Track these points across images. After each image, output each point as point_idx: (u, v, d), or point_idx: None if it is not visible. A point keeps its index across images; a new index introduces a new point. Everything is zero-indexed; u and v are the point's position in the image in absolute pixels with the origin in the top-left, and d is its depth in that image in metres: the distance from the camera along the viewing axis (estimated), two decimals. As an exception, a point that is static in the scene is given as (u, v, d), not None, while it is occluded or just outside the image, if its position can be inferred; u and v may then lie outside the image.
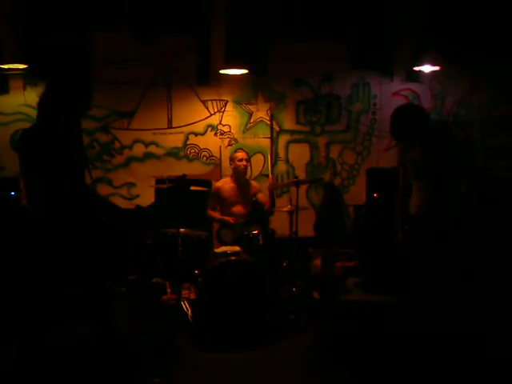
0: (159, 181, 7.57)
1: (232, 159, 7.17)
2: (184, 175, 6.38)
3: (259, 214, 6.74)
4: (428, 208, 4.92)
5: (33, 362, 4.29)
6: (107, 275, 4.12)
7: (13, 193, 6.85)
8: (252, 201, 7.14)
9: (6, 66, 7.14)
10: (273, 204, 7.62)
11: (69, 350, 4.48)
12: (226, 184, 7.18)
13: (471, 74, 8.36)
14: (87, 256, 3.96)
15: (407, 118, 5.05)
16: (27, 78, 7.57)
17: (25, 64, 7.14)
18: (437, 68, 7.78)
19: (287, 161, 8.32)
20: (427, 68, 7.81)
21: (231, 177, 7.20)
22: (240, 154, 7.15)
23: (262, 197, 7.29)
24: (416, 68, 7.90)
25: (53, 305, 4.10)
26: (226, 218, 6.95)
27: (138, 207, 5.20)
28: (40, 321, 4.43)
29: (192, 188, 6.46)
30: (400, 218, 5.19)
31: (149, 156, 7.99)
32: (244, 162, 7.04)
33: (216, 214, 7.08)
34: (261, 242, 6.35)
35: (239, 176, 7.11)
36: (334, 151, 8.39)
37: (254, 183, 7.39)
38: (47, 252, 3.94)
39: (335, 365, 4.92)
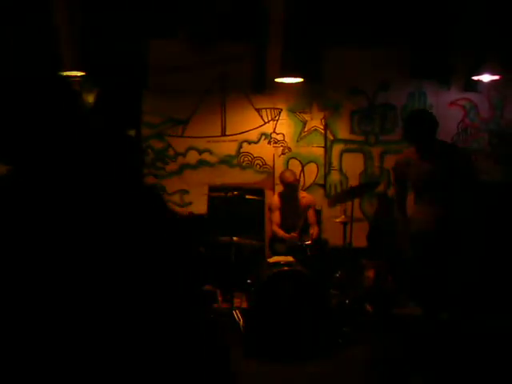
0: (212, 188, 7.62)
1: (281, 180, 7.21)
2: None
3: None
4: (445, 224, 4.83)
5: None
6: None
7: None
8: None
9: (64, 74, 7.25)
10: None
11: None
12: (278, 197, 7.24)
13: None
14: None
15: (422, 121, 5.08)
16: (84, 84, 7.67)
17: (82, 71, 7.25)
18: (496, 77, 7.63)
19: (340, 170, 8.24)
20: (486, 77, 7.67)
21: (282, 192, 7.27)
22: (288, 176, 7.14)
23: (313, 215, 7.27)
24: (475, 77, 7.76)
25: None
26: (289, 235, 6.92)
27: (191, 214, 5.22)
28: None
29: (246, 196, 6.45)
30: (405, 233, 5.11)
31: (202, 163, 8.02)
32: (295, 183, 7.13)
33: (281, 232, 7.05)
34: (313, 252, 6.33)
35: (291, 192, 7.17)
36: (389, 161, 8.26)
37: (306, 195, 7.39)
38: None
39: (390, 379, 4.84)
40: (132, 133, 4.12)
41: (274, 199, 7.32)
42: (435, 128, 5.07)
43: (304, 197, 7.29)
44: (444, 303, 4.90)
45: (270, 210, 7.25)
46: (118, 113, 3.98)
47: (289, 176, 7.16)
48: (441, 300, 4.88)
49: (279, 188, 7.49)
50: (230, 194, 6.28)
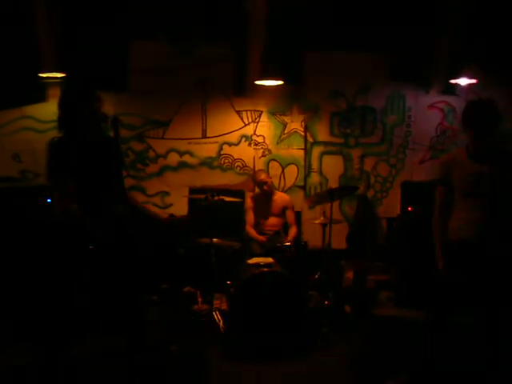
0: (193, 190, 7.64)
1: (254, 181, 7.37)
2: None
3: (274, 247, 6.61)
4: (487, 232, 4.37)
5: (57, 376, 4.29)
6: (139, 285, 4.13)
7: (49, 200, 6.91)
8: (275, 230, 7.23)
9: (44, 75, 7.24)
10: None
11: (94, 362, 4.49)
12: (255, 198, 7.35)
13: (508, 87, 8.26)
14: (117, 265, 3.97)
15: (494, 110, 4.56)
16: (65, 86, 7.65)
17: (63, 73, 7.23)
18: (473, 81, 7.70)
19: (320, 172, 8.29)
20: (464, 81, 7.74)
21: (257, 193, 7.38)
22: (262, 177, 7.25)
23: (291, 215, 7.32)
24: (452, 81, 7.84)
25: (79, 315, 4.10)
26: (259, 238, 7.05)
27: (171, 216, 5.22)
28: (65, 332, 4.44)
29: (225, 199, 6.46)
30: (440, 242, 4.57)
31: (183, 165, 8.03)
32: (268, 184, 7.20)
33: (252, 232, 7.17)
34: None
35: (265, 193, 7.26)
36: (368, 163, 8.34)
37: (285, 197, 7.44)
38: (76, 258, 3.96)
39: (368, 379, 4.87)
40: (111, 133, 4.10)
41: (248, 200, 7.42)
42: (498, 123, 4.58)
43: (280, 197, 7.35)
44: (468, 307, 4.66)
45: (245, 210, 7.35)
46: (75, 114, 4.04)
47: (260, 174, 7.33)
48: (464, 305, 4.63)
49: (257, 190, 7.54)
50: (209, 196, 6.28)
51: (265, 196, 7.25)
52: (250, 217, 7.27)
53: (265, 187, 7.16)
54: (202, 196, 6.42)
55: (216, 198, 6.34)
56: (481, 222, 4.37)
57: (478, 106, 4.54)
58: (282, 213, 7.28)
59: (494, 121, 4.50)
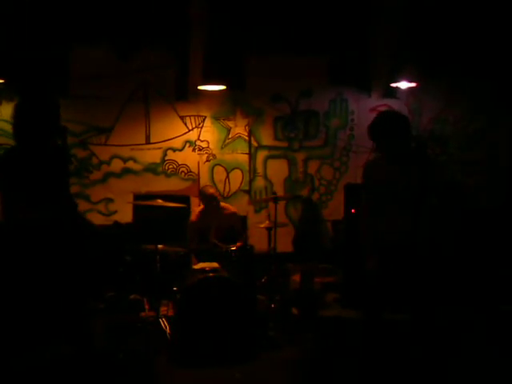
0: (137, 197, 7.58)
1: (203, 196, 7.12)
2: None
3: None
4: (410, 236, 4.41)
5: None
6: (84, 292, 4.08)
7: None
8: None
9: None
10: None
11: (41, 371, 4.41)
12: (199, 215, 7.13)
13: (447, 90, 8.47)
14: (63, 272, 3.91)
15: (396, 121, 4.57)
16: (3, 93, 7.52)
17: (2, 79, 7.10)
18: (413, 84, 7.85)
19: (265, 176, 8.32)
20: (404, 84, 7.88)
21: (203, 209, 7.16)
22: (209, 191, 7.06)
23: (238, 225, 7.28)
24: (393, 84, 7.97)
25: (25, 323, 4.02)
26: (204, 246, 6.84)
27: (116, 223, 5.16)
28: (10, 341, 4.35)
29: (169, 205, 6.40)
30: (367, 243, 4.64)
31: (127, 172, 7.96)
32: (216, 200, 7.04)
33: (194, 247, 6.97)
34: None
35: (212, 207, 7.06)
36: (312, 167, 8.42)
37: (228, 206, 7.32)
38: (22, 268, 3.88)
39: (315, 380, 4.91)
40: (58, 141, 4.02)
41: (192, 220, 7.19)
42: (409, 130, 4.59)
43: (226, 208, 7.25)
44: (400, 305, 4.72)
45: (189, 230, 7.12)
46: (40, 123, 3.90)
47: (208, 188, 7.15)
48: (395, 303, 4.70)
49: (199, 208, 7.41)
50: (153, 203, 6.22)
51: (210, 212, 7.06)
52: (193, 238, 7.04)
53: (214, 203, 7.04)
54: (147, 202, 6.33)
55: (160, 201, 6.24)
56: (403, 225, 4.42)
57: (375, 117, 4.59)
58: (229, 225, 7.16)
59: (386, 131, 4.50)
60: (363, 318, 4.65)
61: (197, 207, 7.51)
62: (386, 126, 4.49)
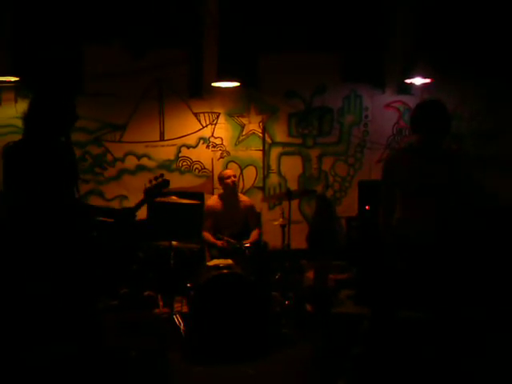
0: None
1: (220, 178, 7.12)
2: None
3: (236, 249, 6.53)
4: (435, 233, 4.34)
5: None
6: (92, 289, 4.08)
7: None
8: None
9: (-2, 78, 7.15)
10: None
11: (48, 370, 4.42)
12: (215, 203, 7.12)
13: (462, 86, 8.40)
14: (69, 268, 3.91)
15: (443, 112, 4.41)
16: (19, 91, 7.56)
17: (16, 76, 7.14)
18: (428, 80, 7.82)
19: (279, 173, 8.31)
20: (418, 80, 7.85)
21: (221, 195, 7.16)
22: (228, 172, 7.11)
23: (253, 219, 7.22)
24: (407, 80, 7.94)
25: (31, 322, 4.01)
26: (218, 242, 6.79)
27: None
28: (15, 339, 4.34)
29: (183, 201, 6.40)
30: (396, 242, 4.47)
31: (141, 168, 7.98)
32: (232, 178, 6.98)
33: (209, 237, 6.92)
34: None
35: (230, 193, 7.06)
36: (326, 163, 8.40)
37: (245, 199, 7.29)
38: (25, 264, 3.88)
39: (328, 378, 4.90)
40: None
41: (208, 204, 7.18)
42: (447, 125, 4.45)
43: (242, 201, 7.22)
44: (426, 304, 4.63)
45: (204, 214, 7.11)
46: (51, 119, 3.90)
47: (226, 170, 7.20)
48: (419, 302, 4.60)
49: (217, 192, 7.48)
50: (168, 199, 6.23)
51: (227, 199, 7.08)
52: (208, 223, 7.02)
53: (231, 182, 6.95)
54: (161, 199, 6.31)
55: (174, 198, 6.24)
56: (429, 222, 4.35)
57: (427, 108, 4.45)
58: (244, 217, 7.16)
59: (443, 123, 4.41)
60: (374, 315, 4.59)
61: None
62: (438, 120, 4.37)
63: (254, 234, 7.08)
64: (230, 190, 7.03)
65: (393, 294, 4.45)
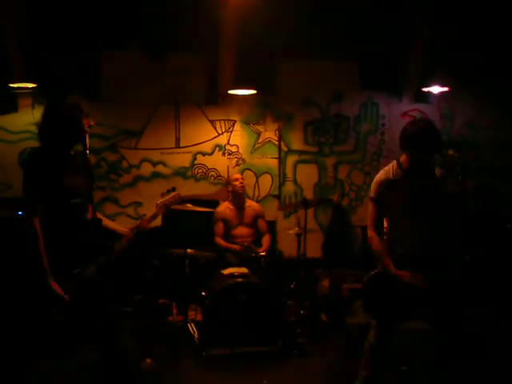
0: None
1: (228, 182, 7.18)
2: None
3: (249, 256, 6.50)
4: (426, 250, 4.36)
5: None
6: (109, 297, 4.06)
7: (20, 212, 6.81)
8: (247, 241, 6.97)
9: (15, 85, 7.17)
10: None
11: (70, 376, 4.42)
12: (225, 208, 7.10)
13: (479, 95, 8.37)
14: (86, 277, 3.89)
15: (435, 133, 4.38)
16: (36, 97, 7.59)
17: (34, 83, 7.17)
18: (445, 89, 7.78)
19: (295, 181, 8.29)
20: (436, 89, 7.82)
21: (230, 200, 7.13)
22: (235, 175, 7.17)
23: (263, 224, 7.19)
24: (425, 89, 7.90)
25: (52, 330, 4.01)
26: (232, 246, 6.80)
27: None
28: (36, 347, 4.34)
29: (197, 209, 6.37)
30: (386, 255, 4.44)
31: (156, 175, 7.97)
32: (240, 181, 7.01)
33: (223, 243, 6.90)
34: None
35: (238, 197, 7.05)
36: (342, 172, 8.37)
37: (255, 206, 7.28)
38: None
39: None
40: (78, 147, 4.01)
41: (217, 210, 7.13)
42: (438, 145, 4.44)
43: (250, 206, 7.18)
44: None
45: (214, 221, 7.07)
46: (65, 127, 3.89)
47: (233, 174, 7.25)
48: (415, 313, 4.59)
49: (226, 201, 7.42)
50: (183, 207, 6.20)
51: (235, 204, 7.08)
52: (219, 228, 7.00)
53: (239, 184, 6.97)
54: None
55: (189, 205, 6.22)
56: (420, 239, 4.35)
57: (417, 127, 4.37)
58: (253, 222, 7.14)
59: (433, 143, 4.36)
60: (378, 326, 4.54)
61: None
62: (429, 140, 4.33)
63: (266, 241, 7.05)
64: (237, 194, 7.03)
65: (394, 305, 4.40)
